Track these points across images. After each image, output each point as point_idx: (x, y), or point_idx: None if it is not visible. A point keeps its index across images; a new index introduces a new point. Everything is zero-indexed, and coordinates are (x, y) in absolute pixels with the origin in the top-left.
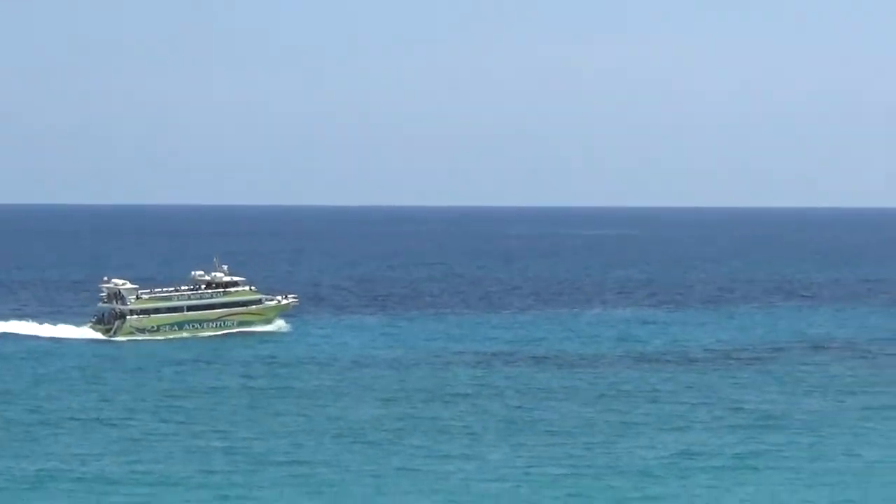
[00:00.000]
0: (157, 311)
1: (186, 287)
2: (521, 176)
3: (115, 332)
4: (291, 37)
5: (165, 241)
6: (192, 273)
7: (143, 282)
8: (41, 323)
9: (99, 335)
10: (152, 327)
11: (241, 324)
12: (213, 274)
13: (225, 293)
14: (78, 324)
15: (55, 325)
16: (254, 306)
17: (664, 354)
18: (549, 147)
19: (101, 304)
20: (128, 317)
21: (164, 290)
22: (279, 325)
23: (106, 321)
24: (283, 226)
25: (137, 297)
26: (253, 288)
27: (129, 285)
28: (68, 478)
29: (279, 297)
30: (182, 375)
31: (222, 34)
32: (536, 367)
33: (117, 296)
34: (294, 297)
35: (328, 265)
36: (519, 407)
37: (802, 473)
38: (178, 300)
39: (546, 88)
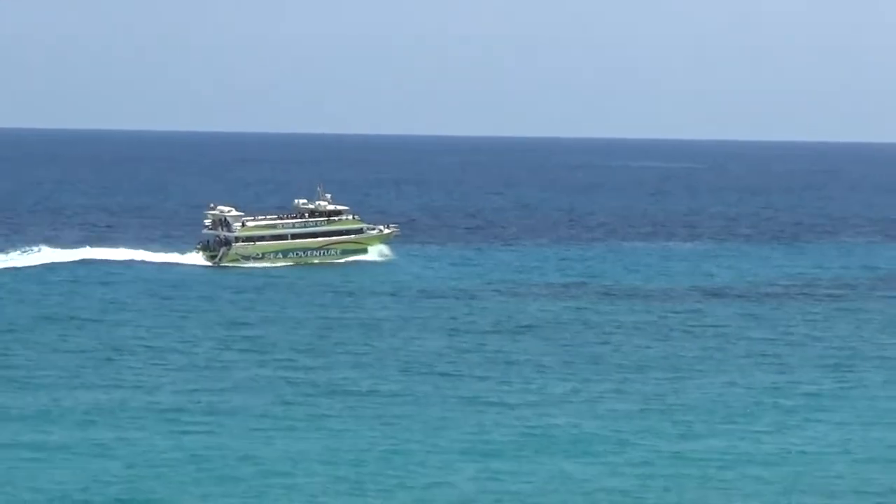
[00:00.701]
0: (261, 238)
1: (288, 215)
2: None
3: (220, 259)
4: None
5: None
6: (296, 201)
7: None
8: (148, 250)
9: (205, 262)
10: (257, 254)
11: (343, 252)
12: (317, 202)
13: (329, 221)
14: (182, 251)
15: (162, 252)
16: (356, 235)
17: (734, 289)
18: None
19: (205, 231)
20: (233, 244)
21: (269, 217)
22: (381, 252)
23: (211, 248)
24: (337, 153)
25: (243, 225)
26: (356, 217)
27: (234, 212)
28: (135, 406)
29: (381, 227)
30: (264, 303)
31: None
32: (606, 300)
33: (223, 223)
34: (395, 227)
35: (407, 195)
36: (588, 341)
37: (875, 412)
38: (283, 228)
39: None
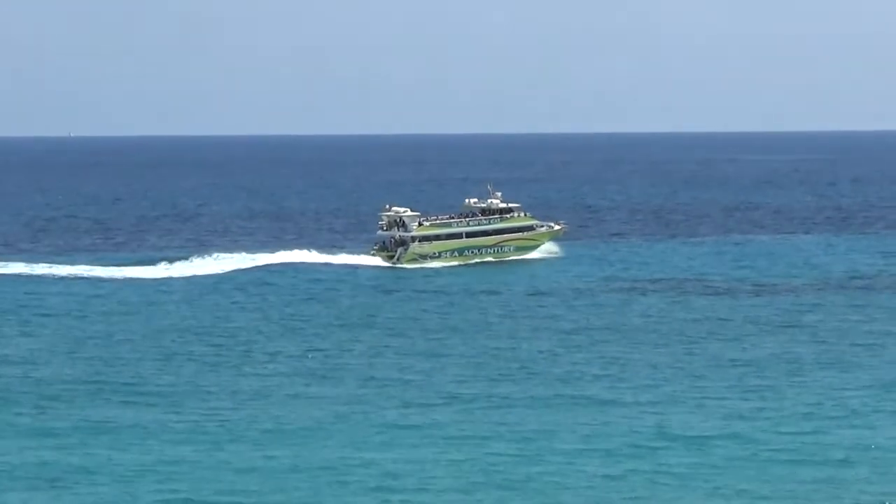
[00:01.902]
0: (437, 237)
1: (458, 214)
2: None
3: (398, 259)
4: None
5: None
6: (467, 200)
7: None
8: (321, 252)
9: (383, 262)
10: (434, 254)
11: (517, 249)
12: (489, 201)
13: (501, 219)
14: (354, 252)
15: (335, 254)
16: (528, 232)
17: (848, 281)
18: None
19: (380, 232)
20: (411, 244)
21: (444, 217)
22: (550, 250)
23: (389, 248)
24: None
25: (420, 225)
26: (527, 214)
27: (409, 213)
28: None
29: (551, 224)
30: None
31: None
32: (720, 296)
33: (399, 223)
34: (564, 224)
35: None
36: (703, 338)
37: None
38: (458, 227)
39: None
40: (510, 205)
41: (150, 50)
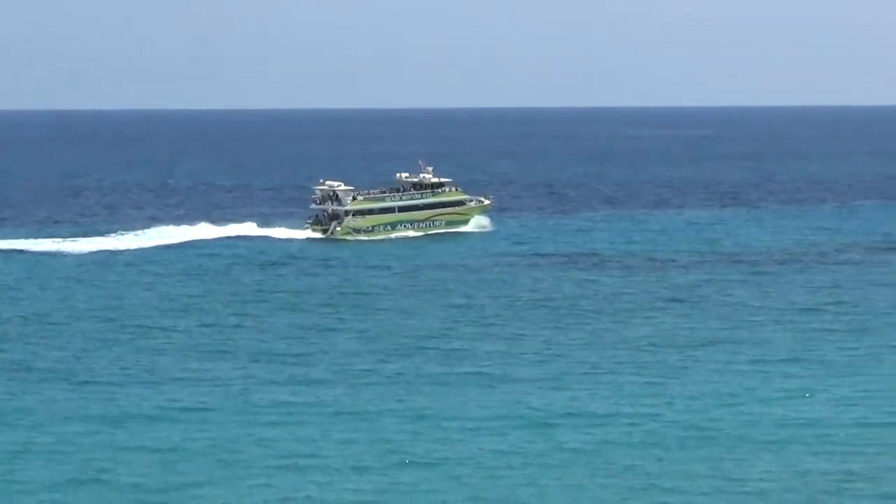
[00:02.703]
0: (370, 212)
1: (390, 189)
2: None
3: (332, 233)
4: None
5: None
6: (398, 175)
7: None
8: (260, 226)
9: (318, 235)
10: (367, 227)
11: (448, 224)
12: (421, 175)
13: (433, 194)
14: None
15: (271, 227)
16: (459, 207)
17: (737, 255)
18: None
19: (313, 206)
20: (345, 218)
21: (376, 191)
22: (482, 224)
23: (323, 222)
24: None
25: (353, 199)
26: (458, 188)
27: (343, 187)
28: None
29: (480, 198)
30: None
31: None
32: (601, 269)
33: (333, 197)
34: (492, 198)
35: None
36: (595, 314)
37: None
38: (391, 201)
39: None
40: (441, 179)
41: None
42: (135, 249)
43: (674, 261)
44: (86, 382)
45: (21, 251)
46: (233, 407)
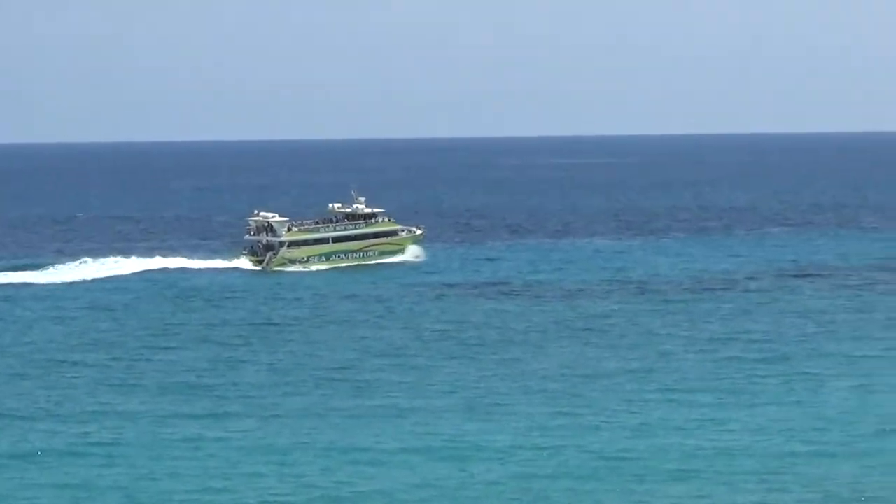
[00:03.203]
0: (305, 242)
1: (323, 220)
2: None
3: (267, 264)
4: None
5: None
6: (330, 205)
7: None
8: (191, 258)
9: (252, 266)
10: (302, 258)
11: (381, 254)
12: (354, 206)
13: (367, 224)
14: (223, 257)
15: (206, 259)
16: (392, 237)
17: (646, 284)
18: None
19: (247, 237)
20: (280, 249)
21: (309, 222)
22: (415, 254)
23: (258, 253)
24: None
25: (288, 230)
26: (391, 219)
27: (278, 218)
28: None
29: (412, 228)
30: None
31: None
32: (510, 299)
33: (267, 228)
34: (423, 228)
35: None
36: (501, 344)
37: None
38: (325, 232)
39: None
40: (374, 210)
41: None
42: (48, 284)
43: (582, 290)
44: None
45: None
46: (142, 441)
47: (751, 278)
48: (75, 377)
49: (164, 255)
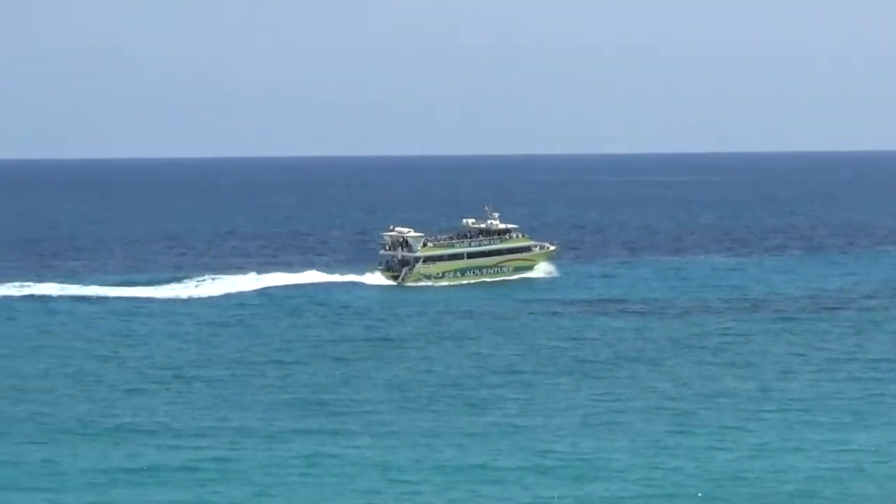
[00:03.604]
0: (441, 258)
1: (457, 235)
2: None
3: (403, 279)
4: None
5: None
6: (464, 220)
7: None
8: (325, 272)
9: (389, 281)
10: (437, 274)
11: (515, 270)
12: (488, 221)
13: (501, 240)
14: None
15: (343, 274)
16: (525, 253)
17: (761, 302)
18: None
19: (382, 252)
20: (415, 264)
21: (443, 237)
22: (547, 270)
23: (393, 268)
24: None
25: (424, 245)
26: (525, 234)
27: (413, 233)
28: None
29: (546, 244)
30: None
31: None
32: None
33: (403, 244)
34: (556, 244)
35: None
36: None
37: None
38: (460, 247)
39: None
40: (508, 226)
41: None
42: (168, 299)
43: (697, 307)
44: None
45: (106, 297)
46: (257, 458)
47: (868, 297)
48: (192, 392)
49: (295, 271)
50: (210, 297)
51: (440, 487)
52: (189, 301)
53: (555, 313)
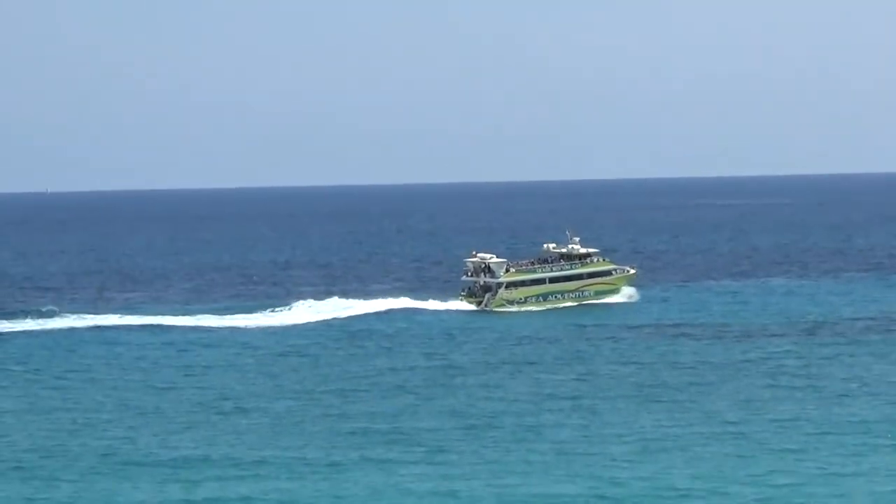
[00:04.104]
0: (523, 283)
1: (538, 259)
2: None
3: (486, 304)
4: None
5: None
6: (545, 245)
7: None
8: (414, 298)
9: (472, 307)
10: (520, 299)
11: (596, 294)
12: (569, 246)
13: (582, 264)
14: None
15: (425, 300)
16: (607, 277)
17: (821, 324)
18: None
19: (464, 278)
20: (498, 290)
21: (524, 263)
22: (629, 294)
23: (476, 294)
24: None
25: (507, 270)
26: (605, 258)
27: (496, 259)
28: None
29: (627, 268)
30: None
31: None
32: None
33: (485, 269)
34: (636, 268)
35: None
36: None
37: None
38: (542, 272)
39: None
40: (589, 250)
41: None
42: (260, 327)
43: (757, 330)
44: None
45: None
46: (319, 489)
47: None
48: (253, 423)
49: (384, 297)
50: (295, 325)
51: None
52: (268, 331)
53: (612, 337)
